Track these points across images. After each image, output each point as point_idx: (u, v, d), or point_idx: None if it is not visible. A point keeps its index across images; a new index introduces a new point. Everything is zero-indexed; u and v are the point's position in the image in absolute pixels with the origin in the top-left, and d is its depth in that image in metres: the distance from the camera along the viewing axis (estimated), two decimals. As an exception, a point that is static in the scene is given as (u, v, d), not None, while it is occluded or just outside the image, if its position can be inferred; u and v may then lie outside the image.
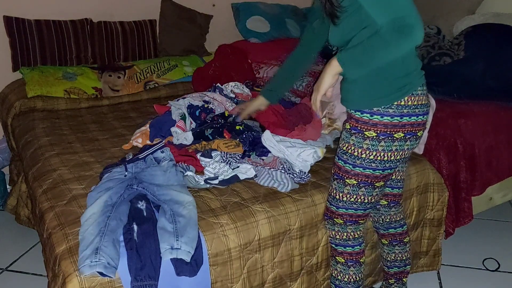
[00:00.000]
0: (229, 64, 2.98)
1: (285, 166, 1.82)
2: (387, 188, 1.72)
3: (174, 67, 3.13)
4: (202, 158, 1.85)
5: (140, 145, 2.04)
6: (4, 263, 2.34)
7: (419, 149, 2.17)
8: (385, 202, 1.75)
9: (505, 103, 2.43)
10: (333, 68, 1.40)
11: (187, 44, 3.33)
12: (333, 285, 1.69)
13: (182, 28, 3.29)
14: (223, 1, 3.56)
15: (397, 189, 1.73)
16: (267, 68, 3.03)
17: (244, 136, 2.00)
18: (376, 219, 1.80)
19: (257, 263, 1.62)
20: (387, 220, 1.76)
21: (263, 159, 1.91)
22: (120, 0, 3.22)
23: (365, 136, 1.45)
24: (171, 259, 1.41)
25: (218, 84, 2.53)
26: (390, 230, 1.78)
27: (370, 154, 1.46)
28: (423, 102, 1.46)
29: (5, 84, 2.94)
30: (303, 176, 1.80)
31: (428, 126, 2.17)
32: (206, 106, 2.24)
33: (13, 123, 2.62)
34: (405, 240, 1.79)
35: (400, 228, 1.77)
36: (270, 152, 1.92)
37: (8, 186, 2.84)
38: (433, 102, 2.23)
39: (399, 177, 1.71)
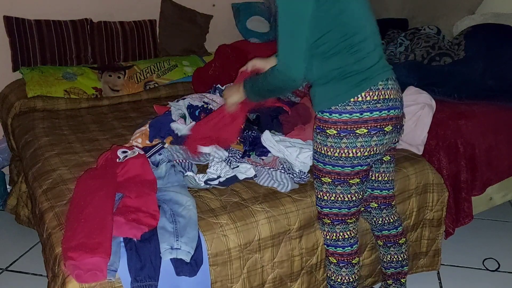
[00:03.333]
0: (229, 64, 2.98)
1: (284, 166, 1.82)
2: (375, 191, 1.71)
3: (174, 67, 3.13)
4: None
5: (140, 145, 2.04)
6: (4, 263, 2.34)
7: (418, 150, 2.17)
8: (375, 205, 1.74)
9: (505, 103, 2.43)
10: (240, 94, 1.70)
11: (187, 44, 3.33)
12: (329, 285, 1.70)
13: (182, 28, 3.30)
14: (223, 1, 3.56)
15: (386, 191, 1.72)
16: (267, 68, 3.02)
17: (244, 134, 2.00)
18: (369, 221, 1.79)
19: (257, 263, 1.62)
20: (380, 222, 1.76)
21: (263, 159, 1.91)
22: (120, 0, 3.22)
23: (327, 134, 1.47)
24: (171, 259, 1.42)
25: (219, 85, 2.53)
26: (384, 232, 1.77)
27: (334, 151, 1.48)
28: (387, 97, 1.45)
29: (5, 84, 2.94)
30: (302, 176, 1.80)
31: (427, 126, 2.17)
32: (205, 106, 2.24)
33: (13, 123, 2.62)
34: (400, 242, 1.77)
35: (394, 230, 1.76)
36: (270, 152, 1.92)
37: (8, 186, 2.84)
38: (433, 103, 2.23)
39: (386, 179, 1.69)
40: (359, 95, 1.42)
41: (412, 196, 1.96)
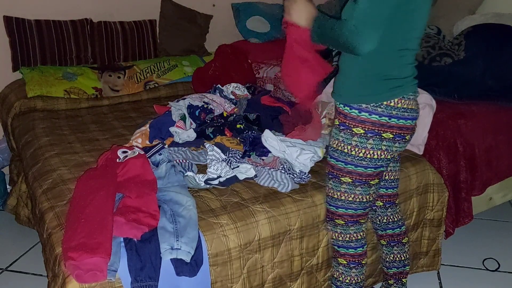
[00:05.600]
0: (229, 64, 2.98)
1: (285, 166, 1.82)
2: (381, 189, 1.71)
3: (174, 67, 3.13)
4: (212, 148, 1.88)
5: (140, 145, 2.04)
6: (4, 263, 2.34)
7: (419, 150, 2.17)
8: (381, 203, 1.74)
9: (505, 103, 2.43)
10: (308, 20, 1.45)
11: (187, 44, 3.33)
12: (335, 286, 1.69)
13: (182, 28, 3.29)
14: (223, 1, 3.56)
15: (391, 190, 1.73)
16: (267, 68, 3.03)
17: (244, 135, 2.00)
18: (373, 220, 1.79)
19: (257, 263, 1.62)
20: (384, 221, 1.76)
21: (263, 159, 1.91)
22: (120, 0, 3.21)
23: (353, 132, 1.45)
24: (171, 259, 1.42)
25: (219, 85, 2.53)
26: (388, 231, 1.77)
27: (359, 151, 1.46)
28: (413, 107, 1.46)
29: (5, 84, 2.94)
30: (303, 176, 1.80)
31: (428, 126, 2.18)
32: (205, 106, 2.24)
33: (13, 123, 2.62)
34: (403, 241, 1.78)
35: (398, 229, 1.77)
36: (270, 152, 1.92)
37: (8, 186, 2.84)
38: (433, 103, 2.23)
39: (392, 177, 1.70)
40: (391, 100, 1.41)
41: (413, 196, 1.96)
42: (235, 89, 2.53)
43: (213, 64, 3.01)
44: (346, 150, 1.48)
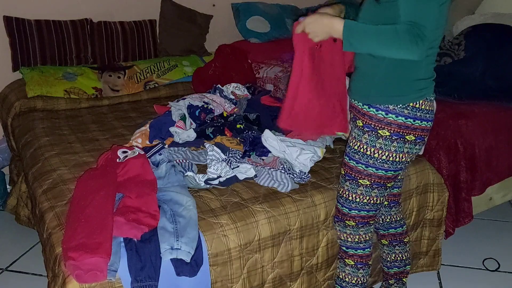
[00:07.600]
0: (229, 64, 2.98)
1: (285, 166, 1.82)
2: None
3: (174, 67, 3.13)
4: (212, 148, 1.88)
5: (140, 145, 2.04)
6: (4, 263, 2.34)
7: (420, 150, 2.17)
8: (386, 203, 1.75)
9: (505, 103, 2.43)
10: (335, 29, 1.36)
11: (187, 44, 3.33)
12: (339, 287, 1.69)
13: (182, 28, 3.30)
14: (223, 1, 3.56)
15: (397, 189, 1.74)
16: (267, 68, 3.03)
17: (244, 135, 2.00)
18: (376, 219, 1.80)
19: (257, 263, 1.62)
20: (388, 220, 1.76)
21: (263, 159, 1.91)
22: (120, 0, 3.22)
23: (379, 134, 1.43)
24: (171, 259, 1.42)
25: (219, 85, 2.53)
26: (391, 230, 1.78)
27: (383, 154, 1.44)
28: (432, 109, 1.46)
29: (5, 84, 2.94)
30: (303, 176, 1.80)
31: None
32: (205, 106, 2.24)
33: (13, 123, 2.62)
34: (405, 240, 1.79)
35: (400, 228, 1.77)
36: (270, 152, 1.92)
37: (8, 186, 2.84)
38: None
39: (399, 177, 1.71)
40: (417, 102, 1.40)
41: (413, 196, 1.96)
42: (235, 89, 2.53)
43: (213, 64, 3.01)
44: (368, 153, 1.46)
